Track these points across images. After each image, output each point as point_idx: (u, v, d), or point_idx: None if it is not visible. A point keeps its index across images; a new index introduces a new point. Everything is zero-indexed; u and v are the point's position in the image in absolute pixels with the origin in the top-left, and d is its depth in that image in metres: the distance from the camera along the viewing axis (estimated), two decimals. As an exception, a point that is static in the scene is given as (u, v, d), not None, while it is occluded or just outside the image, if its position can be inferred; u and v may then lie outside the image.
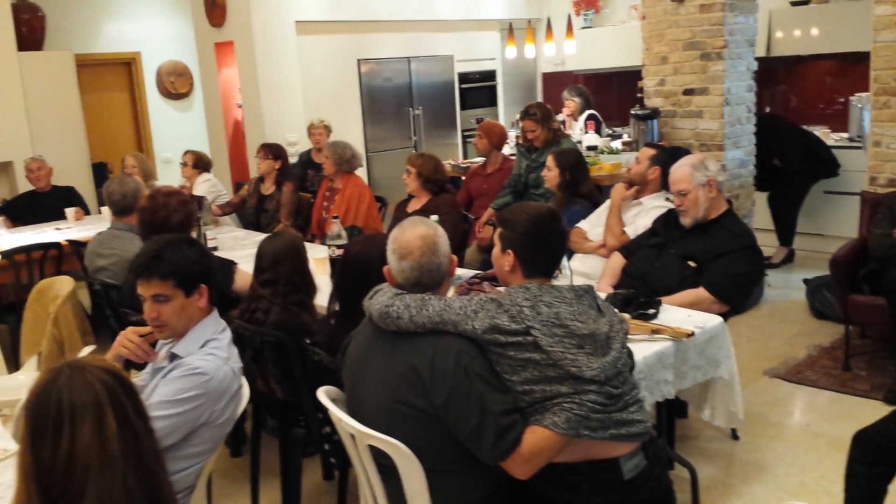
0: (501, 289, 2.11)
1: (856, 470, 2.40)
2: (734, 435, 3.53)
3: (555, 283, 2.81)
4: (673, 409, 3.17)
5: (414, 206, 4.51)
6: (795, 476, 3.21)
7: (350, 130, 7.13)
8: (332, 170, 4.83)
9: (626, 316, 2.83)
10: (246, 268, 3.28)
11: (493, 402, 1.87)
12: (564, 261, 2.84)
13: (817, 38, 6.82)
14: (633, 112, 5.51)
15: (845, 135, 6.45)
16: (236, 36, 6.93)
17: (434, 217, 3.38)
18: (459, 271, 3.55)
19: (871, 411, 3.33)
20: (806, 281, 5.24)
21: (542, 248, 2.05)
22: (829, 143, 6.24)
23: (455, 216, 4.40)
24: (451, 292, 3.19)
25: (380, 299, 2.02)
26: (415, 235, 2.04)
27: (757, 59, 5.60)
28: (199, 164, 5.76)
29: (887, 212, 4.08)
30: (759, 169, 5.66)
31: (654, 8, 5.44)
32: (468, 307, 1.93)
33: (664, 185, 3.68)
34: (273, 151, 5.28)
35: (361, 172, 7.02)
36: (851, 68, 6.62)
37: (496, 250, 2.14)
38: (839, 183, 6.13)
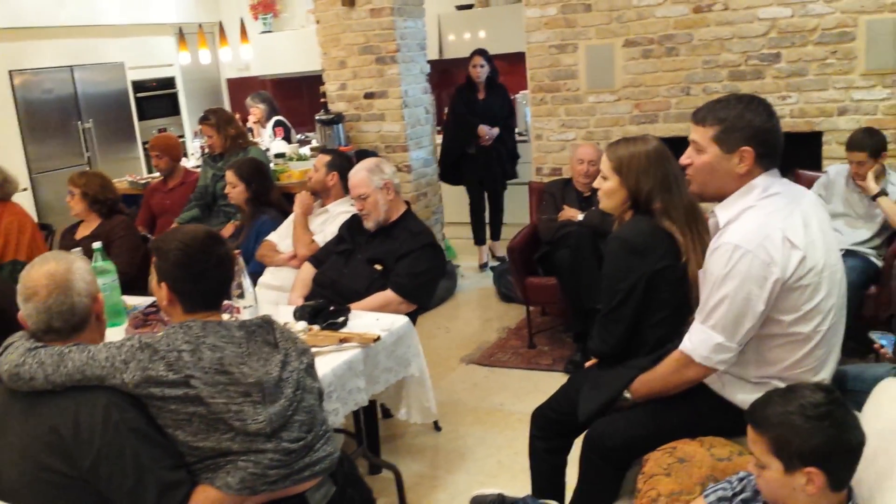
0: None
1: (536, 446, 2.56)
2: (437, 427, 3.64)
3: (239, 303, 2.70)
4: (373, 412, 3.17)
5: (83, 231, 4.06)
6: (493, 457, 3.38)
7: (6, 150, 6.30)
8: (-22, 198, 4.19)
9: (316, 327, 2.77)
10: None
11: (151, 458, 1.68)
12: (248, 284, 2.70)
13: (484, 40, 7.32)
14: (317, 117, 5.49)
15: (517, 130, 7.00)
16: None
17: (97, 245, 3.03)
18: (136, 300, 3.25)
19: (555, 383, 3.58)
20: (492, 268, 5.61)
21: (199, 278, 1.86)
22: (502, 137, 6.74)
23: (132, 239, 4.02)
24: (125, 325, 2.92)
25: (9, 358, 1.72)
26: (41, 273, 1.77)
27: (430, 61, 5.87)
28: None
29: (550, 199, 4.48)
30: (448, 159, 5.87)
31: (326, 13, 5.45)
32: (117, 358, 1.72)
33: (347, 189, 3.68)
34: None
35: (26, 197, 6.27)
36: (516, 68, 7.19)
37: (153, 281, 1.94)
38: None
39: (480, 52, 5.88)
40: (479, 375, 4.25)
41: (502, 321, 5.02)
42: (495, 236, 6.29)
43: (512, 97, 7.14)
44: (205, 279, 1.87)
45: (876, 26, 4.16)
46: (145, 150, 7.71)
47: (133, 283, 3.62)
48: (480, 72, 5.82)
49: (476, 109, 5.82)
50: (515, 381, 4.14)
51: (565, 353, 4.35)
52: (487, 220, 6.19)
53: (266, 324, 1.93)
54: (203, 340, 1.78)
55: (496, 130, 5.84)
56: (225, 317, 2.65)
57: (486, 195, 6.10)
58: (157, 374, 1.71)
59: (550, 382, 3.92)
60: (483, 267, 6.15)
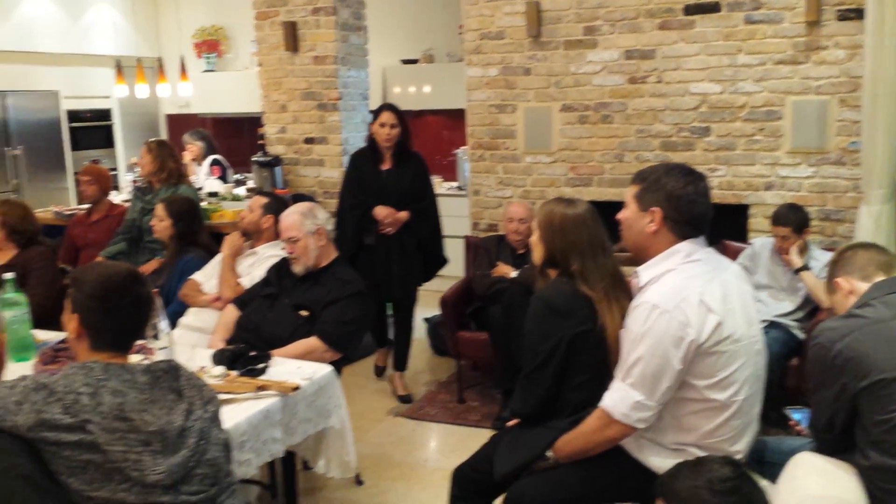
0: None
1: (457, 508, 2.49)
2: (358, 480, 3.54)
3: (154, 345, 2.59)
4: (292, 464, 3.06)
5: (-1, 260, 3.89)
6: (413, 515, 3.30)
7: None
8: None
9: (234, 373, 2.68)
10: None
11: None
12: (164, 325, 2.60)
13: (429, 95, 7.45)
14: (254, 159, 5.44)
15: (455, 184, 7.07)
16: None
17: (8, 275, 2.89)
18: (48, 335, 3.10)
19: (482, 440, 3.53)
20: (426, 320, 5.56)
21: (112, 314, 1.78)
22: (442, 191, 6.77)
23: (49, 271, 3.86)
24: (33, 360, 2.78)
25: None
26: None
27: (374, 111, 5.88)
28: None
29: (485, 254, 4.49)
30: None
31: (269, 56, 5.46)
32: (9, 399, 1.62)
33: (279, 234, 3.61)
34: None
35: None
36: (458, 123, 7.28)
37: (66, 312, 1.85)
38: (452, 228, 6.65)
39: (390, 108, 4.34)
40: (406, 429, 4.17)
41: (434, 374, 4.96)
42: (399, 365, 4.61)
43: (455, 151, 7.23)
44: (118, 317, 1.79)
45: (801, 107, 4.35)
46: (77, 180, 7.52)
47: (48, 316, 3.45)
48: (389, 133, 4.27)
49: (377, 184, 4.31)
50: (442, 437, 4.08)
51: (494, 410, 4.30)
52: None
53: (172, 369, 1.84)
54: (104, 384, 1.68)
55: (403, 215, 4.32)
56: (137, 358, 2.56)
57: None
58: (51, 418, 1.61)
59: (477, 439, 3.85)
60: (378, 371, 4.86)
